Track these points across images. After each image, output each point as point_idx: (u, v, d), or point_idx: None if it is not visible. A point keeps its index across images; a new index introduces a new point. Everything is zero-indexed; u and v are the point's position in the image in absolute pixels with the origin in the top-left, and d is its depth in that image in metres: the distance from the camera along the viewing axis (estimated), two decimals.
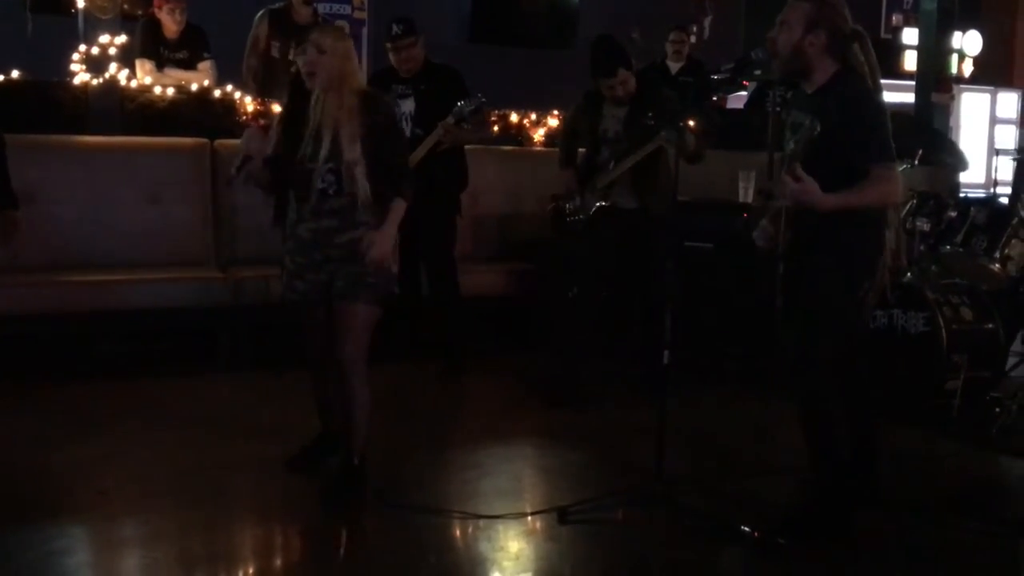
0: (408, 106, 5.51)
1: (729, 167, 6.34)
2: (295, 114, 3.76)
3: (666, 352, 3.71)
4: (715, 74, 3.84)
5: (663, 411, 3.70)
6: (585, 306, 5.21)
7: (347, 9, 9.76)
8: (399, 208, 3.76)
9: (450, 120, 5.31)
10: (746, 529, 3.46)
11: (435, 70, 5.55)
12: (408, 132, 5.44)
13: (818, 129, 3.27)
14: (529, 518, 3.65)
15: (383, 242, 3.71)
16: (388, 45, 5.51)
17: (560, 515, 3.61)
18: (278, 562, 3.42)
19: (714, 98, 7.82)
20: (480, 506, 3.73)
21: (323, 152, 3.65)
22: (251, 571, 3.34)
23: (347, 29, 9.40)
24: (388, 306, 5.91)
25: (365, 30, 9.78)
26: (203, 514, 3.58)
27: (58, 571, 3.17)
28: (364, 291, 3.73)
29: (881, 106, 3.46)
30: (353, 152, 3.64)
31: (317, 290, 3.78)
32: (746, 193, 6.22)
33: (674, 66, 8.25)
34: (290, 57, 6.40)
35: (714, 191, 6.39)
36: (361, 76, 3.80)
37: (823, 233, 3.40)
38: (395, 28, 5.47)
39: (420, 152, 5.34)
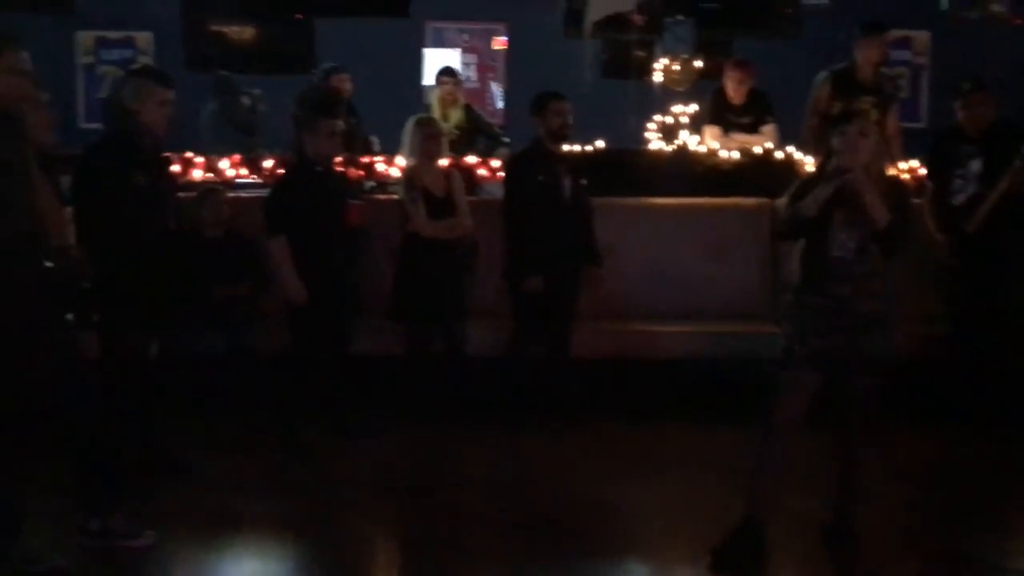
0: (976, 166, 5.43)
1: None
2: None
3: None
4: None
5: None
6: None
7: (906, 55, 9.53)
8: None
9: (1018, 163, 5.20)
10: None
11: (1003, 128, 5.44)
12: (973, 191, 5.40)
13: None
14: None
15: None
16: (958, 103, 5.49)
17: None
18: None
19: None
20: None
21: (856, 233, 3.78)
22: None
23: (905, 75, 9.28)
24: None
25: (926, 75, 9.52)
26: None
27: None
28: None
29: None
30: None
31: (827, 355, 3.81)
32: None
33: None
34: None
35: None
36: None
37: None
38: (965, 84, 5.45)
39: (985, 207, 5.32)
